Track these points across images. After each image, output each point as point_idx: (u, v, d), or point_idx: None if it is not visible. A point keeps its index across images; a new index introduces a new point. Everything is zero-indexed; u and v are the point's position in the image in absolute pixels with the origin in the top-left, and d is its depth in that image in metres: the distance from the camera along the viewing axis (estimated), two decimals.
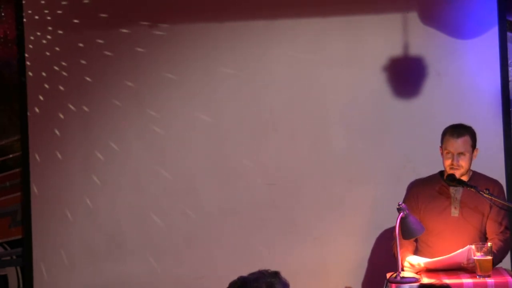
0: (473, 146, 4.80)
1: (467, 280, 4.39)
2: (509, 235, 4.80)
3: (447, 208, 4.81)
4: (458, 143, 4.74)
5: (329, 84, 5.54)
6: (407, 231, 4.54)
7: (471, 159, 4.79)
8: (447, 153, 4.77)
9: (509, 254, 5.30)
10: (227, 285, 3.22)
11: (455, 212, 4.80)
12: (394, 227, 4.58)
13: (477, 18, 5.47)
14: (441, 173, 4.89)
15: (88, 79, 5.66)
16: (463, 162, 4.75)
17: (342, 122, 5.54)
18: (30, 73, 5.67)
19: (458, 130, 4.78)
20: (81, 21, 5.64)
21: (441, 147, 4.85)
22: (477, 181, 4.78)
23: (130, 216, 5.63)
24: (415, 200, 4.88)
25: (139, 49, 5.62)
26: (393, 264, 4.58)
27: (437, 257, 4.61)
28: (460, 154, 4.75)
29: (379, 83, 5.52)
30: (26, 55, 5.67)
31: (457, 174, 4.75)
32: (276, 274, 3.19)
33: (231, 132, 5.60)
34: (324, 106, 5.55)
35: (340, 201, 5.53)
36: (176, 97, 5.62)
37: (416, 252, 4.83)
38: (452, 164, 4.75)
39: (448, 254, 4.58)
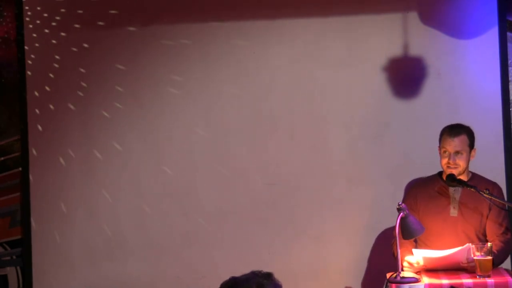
0: (471, 146, 4.82)
1: (467, 280, 4.38)
2: (509, 236, 4.79)
3: (446, 208, 4.82)
4: (455, 142, 4.76)
5: (329, 84, 5.54)
6: (407, 231, 4.54)
7: (468, 159, 4.81)
8: (444, 151, 4.79)
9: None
10: None
11: (454, 212, 4.80)
12: (394, 227, 4.58)
13: (477, 18, 5.46)
14: (440, 173, 4.90)
15: (88, 79, 5.66)
16: (460, 161, 4.76)
17: (342, 122, 5.54)
18: (30, 73, 5.68)
19: (455, 129, 4.81)
20: (82, 21, 5.65)
21: (439, 147, 4.86)
22: (477, 182, 4.79)
23: (130, 216, 5.63)
24: (414, 200, 4.89)
25: (139, 50, 5.62)
26: (393, 264, 4.58)
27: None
28: (457, 153, 4.77)
29: (379, 83, 5.51)
30: (26, 55, 5.67)
31: (454, 173, 4.76)
32: (269, 276, 3.17)
33: (231, 132, 5.60)
34: (324, 106, 5.55)
35: (339, 201, 5.53)
36: (176, 98, 5.62)
37: None
38: (448, 163, 4.77)
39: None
